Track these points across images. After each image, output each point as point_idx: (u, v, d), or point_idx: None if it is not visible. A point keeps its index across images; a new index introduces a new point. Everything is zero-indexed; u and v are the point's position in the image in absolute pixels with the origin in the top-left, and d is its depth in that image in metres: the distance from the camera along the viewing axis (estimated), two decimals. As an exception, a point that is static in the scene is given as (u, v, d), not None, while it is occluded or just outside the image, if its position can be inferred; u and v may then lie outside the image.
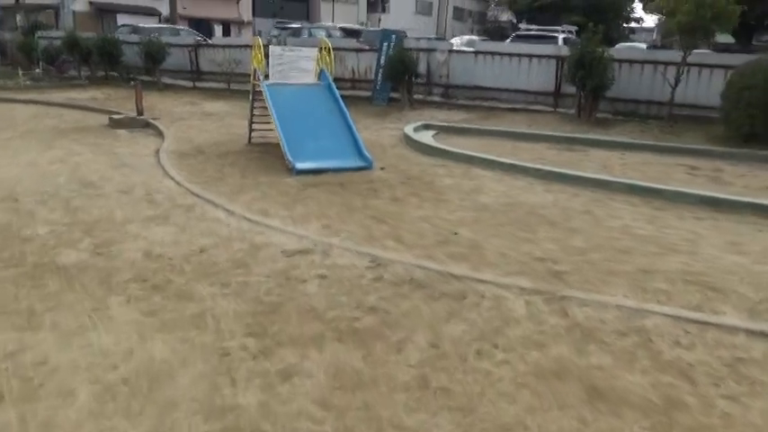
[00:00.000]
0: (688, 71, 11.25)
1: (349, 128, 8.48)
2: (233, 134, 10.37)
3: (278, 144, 8.08)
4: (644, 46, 26.84)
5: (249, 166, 8.01)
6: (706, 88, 11.80)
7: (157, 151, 8.88)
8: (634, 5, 51.40)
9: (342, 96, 9.00)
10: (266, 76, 8.91)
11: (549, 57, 13.35)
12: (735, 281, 4.47)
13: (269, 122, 8.58)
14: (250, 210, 6.04)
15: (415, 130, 10.98)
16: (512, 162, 8.03)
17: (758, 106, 9.46)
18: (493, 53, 14.07)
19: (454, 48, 15.12)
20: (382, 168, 8.01)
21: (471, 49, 14.83)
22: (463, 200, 6.58)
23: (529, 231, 5.56)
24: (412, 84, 14.11)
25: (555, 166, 8.12)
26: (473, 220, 5.87)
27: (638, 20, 58.38)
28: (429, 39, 19.86)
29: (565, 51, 13.03)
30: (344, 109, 8.66)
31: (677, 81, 10.97)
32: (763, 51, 13.72)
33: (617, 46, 17.69)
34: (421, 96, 14.76)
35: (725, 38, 38.34)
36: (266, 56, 8.94)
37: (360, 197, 6.63)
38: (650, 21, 59.65)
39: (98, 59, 18.24)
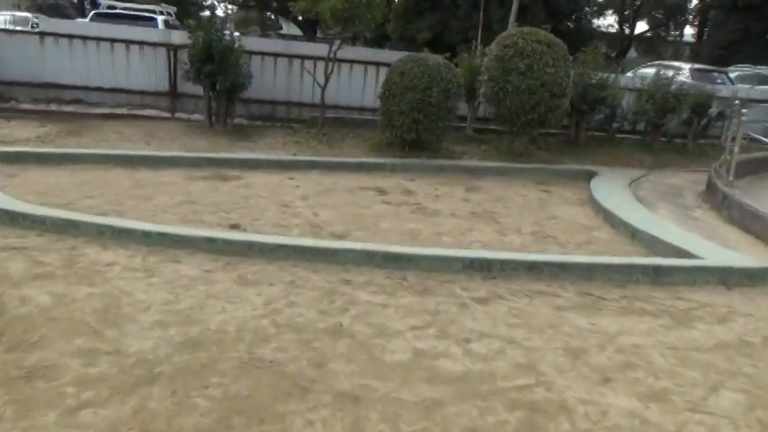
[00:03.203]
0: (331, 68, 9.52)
1: None
2: None
3: None
4: (237, 34, 25.14)
5: None
6: (347, 87, 10.38)
7: None
8: (209, -8, 49.88)
9: None
10: None
11: (155, 44, 9.85)
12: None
13: None
14: None
15: (-51, 164, 6.28)
16: (160, 230, 4.61)
17: (422, 109, 8.29)
18: (70, 36, 9.69)
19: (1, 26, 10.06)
20: None
21: (34, 30, 10.08)
22: (90, 359, 3.00)
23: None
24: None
25: (231, 228, 5.12)
26: (136, 435, 2.47)
27: (214, 7, 57.42)
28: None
29: (178, 38, 9.77)
30: None
31: (327, 79, 9.11)
32: (328, 42, 13.05)
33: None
34: (-47, 100, 9.36)
35: (293, 30, 40.34)
36: None
37: None
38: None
39: None
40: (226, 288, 3.95)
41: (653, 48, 39.56)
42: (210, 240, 4.50)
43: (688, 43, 38.75)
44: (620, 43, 36.94)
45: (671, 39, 39.32)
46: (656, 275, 4.63)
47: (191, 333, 3.30)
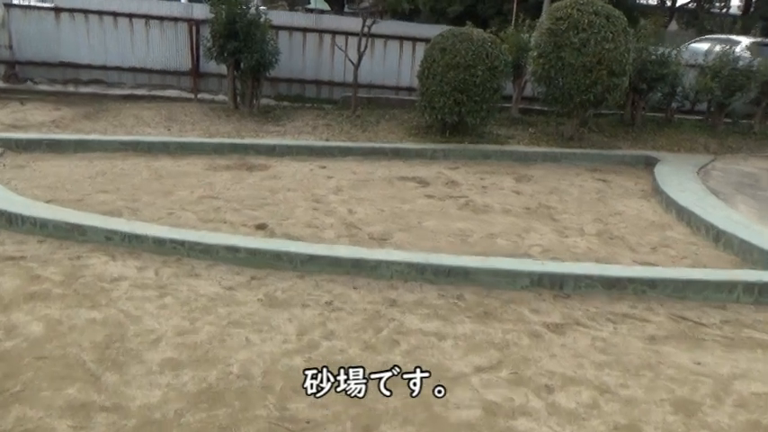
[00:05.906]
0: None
1: None
2: None
3: None
4: (263, 7, 24.35)
5: None
6: (382, 64, 9.62)
7: None
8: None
9: None
10: None
11: (176, 19, 9.21)
12: None
13: None
14: None
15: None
16: (175, 237, 3.99)
17: (465, 90, 7.50)
18: (86, 11, 9.10)
19: (15, 2, 9.50)
20: None
21: (48, 5, 9.50)
22: (82, 419, 2.40)
23: None
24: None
25: (258, 231, 4.49)
26: None
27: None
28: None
29: (200, 12, 9.10)
30: None
31: (360, 56, 8.36)
32: (360, 16, 12.26)
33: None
34: (-33, 81, 8.88)
35: (321, 4, 39.35)
36: None
37: None
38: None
39: None
40: (251, 311, 3.32)
41: (696, 20, 37.59)
42: (233, 250, 3.87)
43: (734, 15, 36.68)
44: (661, 16, 35.08)
45: (715, 10, 37.29)
46: (761, 294, 3.86)
47: (208, 379, 2.68)
